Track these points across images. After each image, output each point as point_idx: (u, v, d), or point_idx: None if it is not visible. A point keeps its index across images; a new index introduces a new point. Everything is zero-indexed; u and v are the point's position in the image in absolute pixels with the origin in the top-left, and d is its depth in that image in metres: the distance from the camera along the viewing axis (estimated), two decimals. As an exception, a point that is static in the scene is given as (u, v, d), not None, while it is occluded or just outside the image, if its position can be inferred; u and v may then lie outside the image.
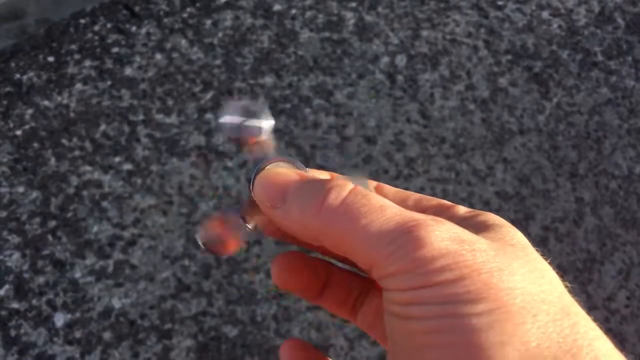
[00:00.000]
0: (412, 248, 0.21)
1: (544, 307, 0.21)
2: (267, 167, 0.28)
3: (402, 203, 0.27)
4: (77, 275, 1.13)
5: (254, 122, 0.28)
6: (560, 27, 1.54)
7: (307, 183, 0.26)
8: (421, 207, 0.28)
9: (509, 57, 1.48)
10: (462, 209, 0.27)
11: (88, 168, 1.23)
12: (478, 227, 0.25)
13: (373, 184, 0.30)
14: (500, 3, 1.56)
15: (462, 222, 0.25)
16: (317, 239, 0.25)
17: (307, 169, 0.29)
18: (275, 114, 1.32)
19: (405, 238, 0.22)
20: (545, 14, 1.55)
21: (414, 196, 0.29)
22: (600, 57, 1.51)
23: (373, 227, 0.23)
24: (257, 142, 0.28)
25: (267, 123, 0.28)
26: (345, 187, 0.24)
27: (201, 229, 0.29)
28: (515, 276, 0.21)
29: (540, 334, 0.20)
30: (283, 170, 0.27)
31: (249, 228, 0.29)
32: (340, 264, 0.31)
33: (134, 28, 1.41)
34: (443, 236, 0.22)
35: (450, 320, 0.20)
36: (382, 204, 0.23)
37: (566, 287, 0.23)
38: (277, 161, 0.28)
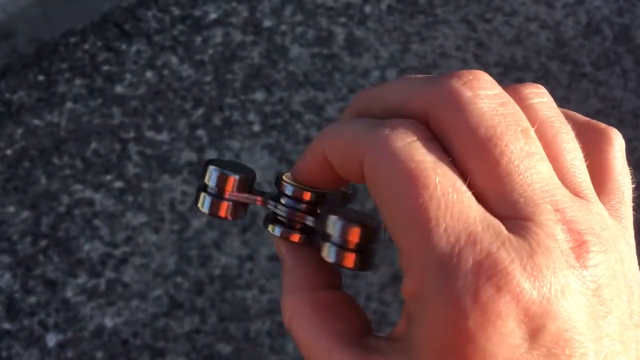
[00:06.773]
0: None
1: None
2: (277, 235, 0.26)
3: None
4: (69, 294, 1.13)
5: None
6: (548, 39, 1.55)
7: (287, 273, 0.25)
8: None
9: (499, 69, 1.49)
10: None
11: (79, 186, 1.23)
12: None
13: None
14: (488, 16, 1.57)
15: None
16: None
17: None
18: (267, 129, 1.33)
19: None
20: (533, 26, 1.57)
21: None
22: (589, 68, 1.52)
23: None
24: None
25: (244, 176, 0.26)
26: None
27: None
28: None
29: None
30: (281, 249, 0.26)
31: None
32: None
33: (124, 46, 1.41)
34: None
35: None
36: None
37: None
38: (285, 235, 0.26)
